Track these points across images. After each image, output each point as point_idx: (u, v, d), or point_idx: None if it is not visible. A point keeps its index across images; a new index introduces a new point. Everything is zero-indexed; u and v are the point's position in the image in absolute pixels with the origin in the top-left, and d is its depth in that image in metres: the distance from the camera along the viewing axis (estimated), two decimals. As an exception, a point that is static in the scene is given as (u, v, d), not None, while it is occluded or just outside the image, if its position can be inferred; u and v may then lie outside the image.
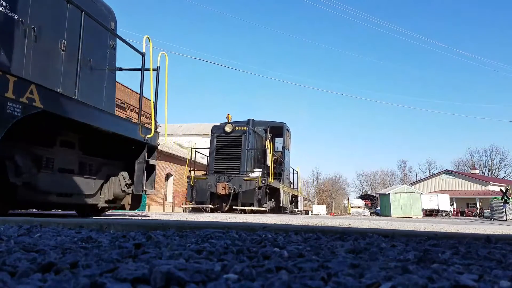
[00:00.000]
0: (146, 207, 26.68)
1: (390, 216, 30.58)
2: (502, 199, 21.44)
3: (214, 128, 15.13)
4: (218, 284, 0.94)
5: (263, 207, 13.77)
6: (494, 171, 74.76)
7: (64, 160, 5.26)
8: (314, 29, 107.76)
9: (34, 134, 4.87)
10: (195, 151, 16.33)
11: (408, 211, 31.92)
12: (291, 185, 19.81)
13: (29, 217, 3.45)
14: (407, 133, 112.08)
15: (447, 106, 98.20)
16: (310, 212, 60.32)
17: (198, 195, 14.08)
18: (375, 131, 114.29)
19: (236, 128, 14.64)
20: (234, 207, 13.44)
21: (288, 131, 18.45)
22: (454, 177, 56.62)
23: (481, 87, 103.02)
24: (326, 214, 57.65)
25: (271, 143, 15.62)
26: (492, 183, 52.64)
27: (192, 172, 14.76)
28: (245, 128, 14.69)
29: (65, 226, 2.86)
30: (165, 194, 31.78)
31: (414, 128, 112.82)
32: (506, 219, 20.16)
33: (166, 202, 30.65)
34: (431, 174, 68.27)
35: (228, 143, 14.70)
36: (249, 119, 16.15)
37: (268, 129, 16.58)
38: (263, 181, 13.59)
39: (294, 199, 20.23)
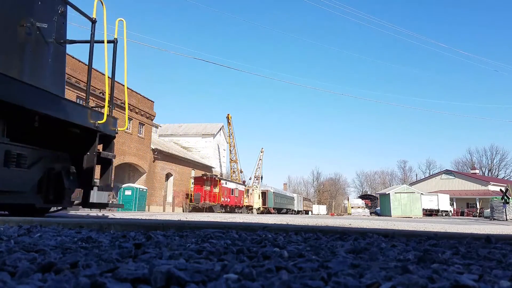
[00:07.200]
0: (146, 207, 26.67)
1: (390, 216, 30.59)
2: (502, 199, 21.46)
3: None
4: (218, 284, 0.94)
5: None
6: (494, 171, 74.81)
7: None
8: (314, 29, 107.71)
9: None
10: None
11: (408, 211, 31.95)
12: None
13: (29, 217, 3.45)
14: (407, 133, 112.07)
15: (447, 106, 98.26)
16: (310, 212, 60.38)
17: None
18: (375, 131, 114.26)
19: None
20: None
21: None
22: (454, 177, 56.58)
23: (481, 87, 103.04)
24: (326, 214, 57.70)
25: None
26: (492, 183, 52.62)
27: None
28: None
29: (65, 226, 2.86)
30: (165, 194, 31.78)
31: (414, 128, 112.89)
32: (506, 219, 20.17)
33: (166, 202, 30.64)
34: (431, 174, 68.26)
35: None
36: None
37: None
38: None
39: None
